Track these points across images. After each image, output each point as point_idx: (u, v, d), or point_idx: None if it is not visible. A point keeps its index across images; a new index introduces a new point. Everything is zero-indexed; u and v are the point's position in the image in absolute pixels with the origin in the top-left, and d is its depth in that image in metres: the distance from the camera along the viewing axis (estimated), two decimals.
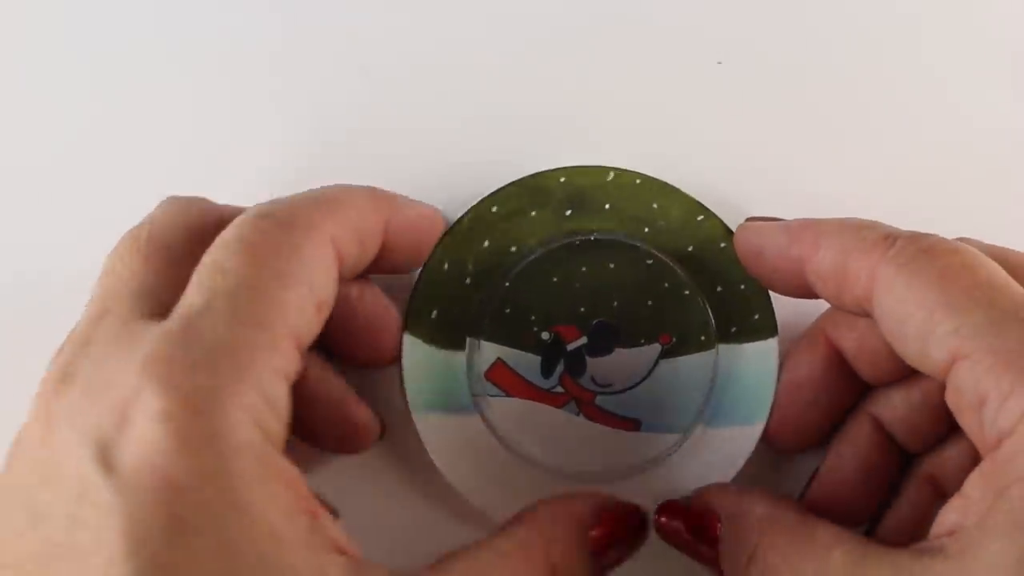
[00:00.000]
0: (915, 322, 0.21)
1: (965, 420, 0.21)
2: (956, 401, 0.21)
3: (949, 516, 0.21)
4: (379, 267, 0.26)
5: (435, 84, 0.31)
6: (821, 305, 0.27)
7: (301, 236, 0.21)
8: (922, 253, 0.22)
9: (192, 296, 0.20)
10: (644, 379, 0.28)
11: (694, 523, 0.25)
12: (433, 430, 0.28)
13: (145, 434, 0.18)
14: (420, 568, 0.22)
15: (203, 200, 0.24)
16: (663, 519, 0.26)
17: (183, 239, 0.23)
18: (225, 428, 0.18)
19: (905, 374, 0.26)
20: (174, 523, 0.17)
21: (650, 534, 0.27)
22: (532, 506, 0.25)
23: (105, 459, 0.18)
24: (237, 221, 0.22)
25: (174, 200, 0.24)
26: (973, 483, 0.20)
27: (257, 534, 0.18)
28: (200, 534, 0.18)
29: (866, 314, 0.23)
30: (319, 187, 0.24)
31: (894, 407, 0.26)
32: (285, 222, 0.22)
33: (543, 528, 0.24)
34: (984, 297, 0.21)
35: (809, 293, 0.25)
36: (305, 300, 0.21)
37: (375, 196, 0.24)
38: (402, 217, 0.25)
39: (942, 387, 0.26)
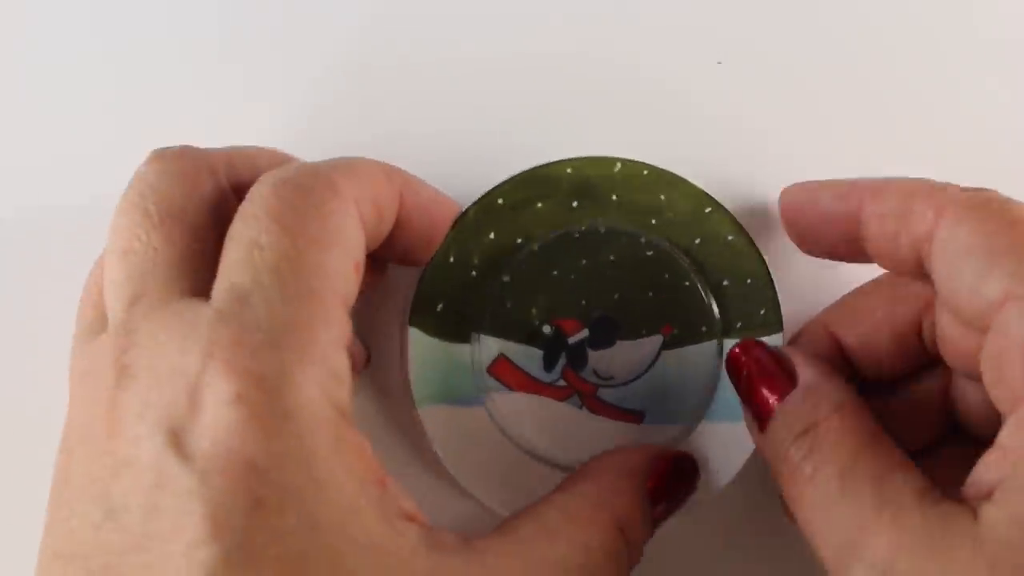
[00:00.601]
0: (978, 257, 0.21)
1: (1006, 365, 0.21)
2: (1000, 344, 0.21)
3: (986, 474, 0.21)
4: (393, 248, 0.25)
5: (442, 75, 0.30)
6: (828, 302, 0.28)
7: (325, 199, 0.21)
8: (994, 200, 0.22)
9: (235, 275, 0.20)
10: (646, 371, 0.28)
11: (772, 369, 0.25)
12: (437, 422, 0.27)
13: (218, 419, 0.18)
14: (488, 531, 0.22)
15: (191, 151, 0.23)
16: (741, 353, 0.26)
17: (194, 205, 0.22)
18: (298, 406, 0.18)
19: (904, 372, 0.27)
20: (255, 504, 0.18)
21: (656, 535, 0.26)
22: (592, 461, 0.26)
23: (180, 447, 0.18)
24: (257, 192, 0.21)
25: (163, 158, 0.22)
26: (1010, 432, 0.20)
27: (336, 509, 0.18)
28: (282, 513, 0.18)
29: (916, 263, 0.23)
30: (336, 159, 0.23)
31: (891, 405, 0.27)
32: (307, 187, 0.21)
33: (606, 482, 0.24)
34: None
35: (850, 249, 0.25)
36: (344, 262, 0.21)
37: (389, 168, 0.24)
38: (416, 196, 0.25)
39: (942, 386, 0.26)
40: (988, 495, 0.20)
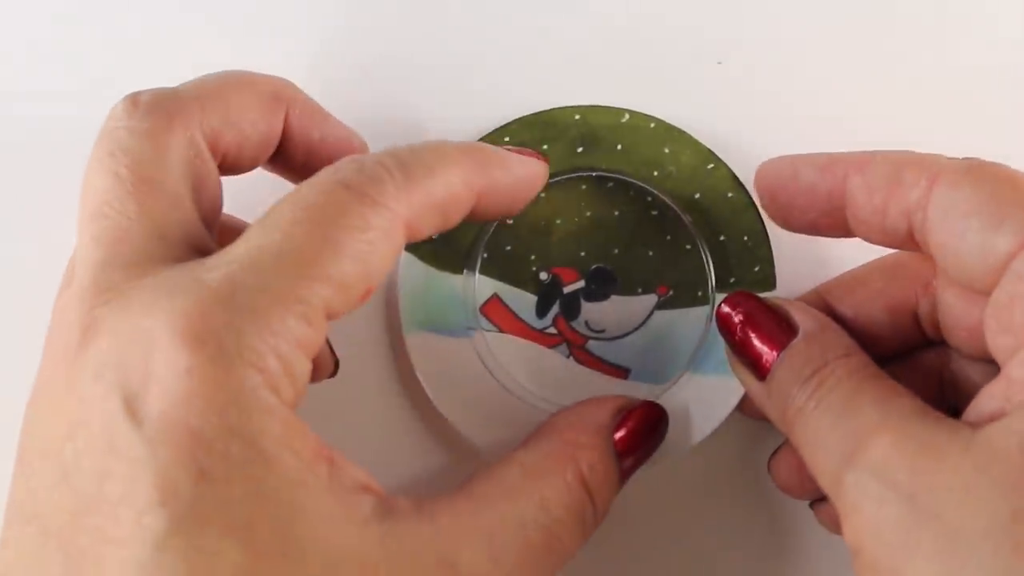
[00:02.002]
0: (984, 215, 0.21)
1: (1019, 310, 0.21)
2: (1012, 291, 0.21)
3: (990, 402, 0.20)
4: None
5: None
6: (821, 265, 0.28)
7: (376, 219, 0.20)
8: (987, 164, 0.22)
9: (239, 249, 0.20)
10: (637, 328, 0.28)
11: (769, 320, 0.24)
12: (423, 349, 0.27)
13: (170, 389, 0.18)
14: (445, 493, 0.22)
15: (164, 102, 0.22)
16: (734, 304, 0.25)
17: (167, 168, 0.22)
18: (248, 388, 0.18)
19: (898, 351, 0.26)
20: (201, 474, 0.18)
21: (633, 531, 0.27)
22: (556, 416, 0.25)
23: (133, 412, 0.18)
24: (318, 180, 0.21)
25: (134, 113, 0.22)
26: (1019, 363, 0.20)
27: (283, 483, 0.18)
28: (228, 484, 0.18)
29: (906, 234, 0.23)
30: (414, 146, 0.22)
31: None
32: (366, 198, 0.20)
33: (568, 436, 0.24)
34: None
35: (832, 223, 0.24)
36: (355, 282, 0.20)
37: (470, 166, 0.22)
38: (496, 187, 0.23)
39: (937, 368, 0.26)
40: (990, 420, 0.20)
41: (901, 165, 0.23)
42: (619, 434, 0.25)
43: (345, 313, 0.20)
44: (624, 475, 0.25)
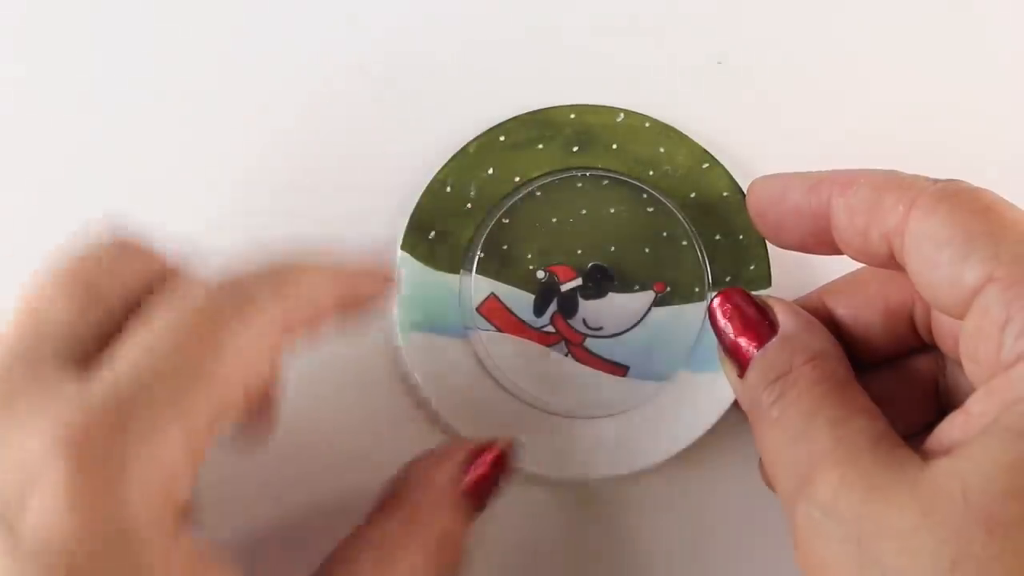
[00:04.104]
0: (955, 246, 0.21)
1: (983, 345, 0.21)
2: (978, 324, 0.21)
3: (950, 433, 0.21)
4: None
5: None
6: (817, 263, 0.28)
7: (253, 322, 0.20)
8: (964, 191, 0.22)
9: (123, 363, 0.19)
10: (635, 325, 0.28)
11: (754, 318, 0.25)
12: (420, 349, 0.27)
13: (48, 506, 0.18)
14: None
15: (133, 239, 0.22)
16: (723, 300, 0.25)
17: (113, 282, 0.21)
18: (128, 508, 0.18)
19: (896, 353, 0.26)
20: None
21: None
22: (402, 476, 0.25)
23: (9, 527, 0.18)
24: (193, 290, 0.21)
25: (101, 234, 0.22)
26: (978, 399, 0.20)
27: None
28: None
29: (888, 255, 0.23)
30: (278, 262, 0.22)
31: (882, 387, 0.26)
32: (240, 306, 0.20)
33: (421, 499, 0.24)
34: None
35: (819, 242, 0.25)
36: (238, 389, 0.20)
37: (334, 277, 0.23)
38: (354, 293, 0.24)
39: (933, 372, 0.26)
40: (945, 453, 0.20)
41: (882, 189, 0.23)
42: (467, 479, 0.25)
43: (231, 421, 0.20)
44: (478, 511, 0.25)
